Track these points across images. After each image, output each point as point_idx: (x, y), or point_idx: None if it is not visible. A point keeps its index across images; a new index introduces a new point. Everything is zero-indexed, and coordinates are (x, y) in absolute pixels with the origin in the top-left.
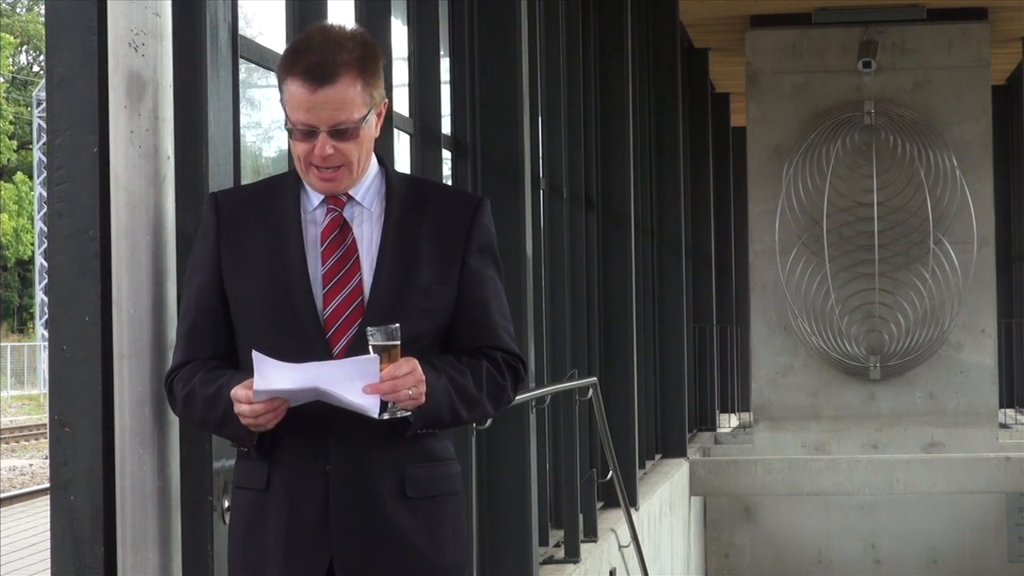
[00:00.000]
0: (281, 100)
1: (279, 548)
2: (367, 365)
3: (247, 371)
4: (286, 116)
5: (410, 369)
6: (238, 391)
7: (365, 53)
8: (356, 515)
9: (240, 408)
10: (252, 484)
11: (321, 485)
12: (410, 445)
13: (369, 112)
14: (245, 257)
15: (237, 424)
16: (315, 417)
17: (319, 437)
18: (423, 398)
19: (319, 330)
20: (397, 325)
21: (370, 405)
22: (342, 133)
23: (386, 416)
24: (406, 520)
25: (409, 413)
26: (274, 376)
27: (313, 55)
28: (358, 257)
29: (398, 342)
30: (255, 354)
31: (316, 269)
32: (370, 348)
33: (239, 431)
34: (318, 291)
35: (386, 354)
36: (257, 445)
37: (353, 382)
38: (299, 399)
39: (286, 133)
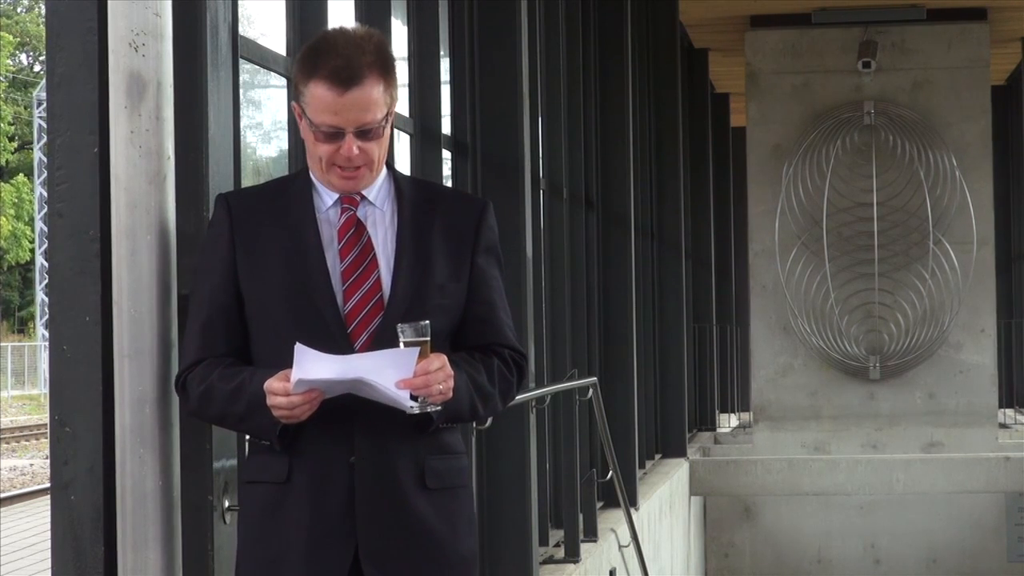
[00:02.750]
0: (299, 101)
1: (302, 539)
2: (404, 357)
3: (263, 368)
4: (306, 118)
5: (441, 364)
6: (273, 383)
7: (384, 55)
8: (381, 506)
9: (276, 400)
10: (269, 478)
11: (346, 476)
12: (429, 437)
13: (388, 112)
14: (262, 257)
15: (260, 417)
16: (340, 409)
17: (344, 429)
18: (451, 393)
19: (341, 326)
20: (427, 322)
21: (403, 399)
22: (367, 133)
23: (417, 410)
24: (428, 510)
25: (439, 408)
26: (314, 367)
27: (337, 58)
28: (375, 255)
29: (428, 338)
30: (297, 346)
31: (335, 266)
32: (401, 344)
33: (263, 424)
34: (338, 287)
35: (417, 350)
36: (280, 437)
37: (389, 374)
38: (335, 391)
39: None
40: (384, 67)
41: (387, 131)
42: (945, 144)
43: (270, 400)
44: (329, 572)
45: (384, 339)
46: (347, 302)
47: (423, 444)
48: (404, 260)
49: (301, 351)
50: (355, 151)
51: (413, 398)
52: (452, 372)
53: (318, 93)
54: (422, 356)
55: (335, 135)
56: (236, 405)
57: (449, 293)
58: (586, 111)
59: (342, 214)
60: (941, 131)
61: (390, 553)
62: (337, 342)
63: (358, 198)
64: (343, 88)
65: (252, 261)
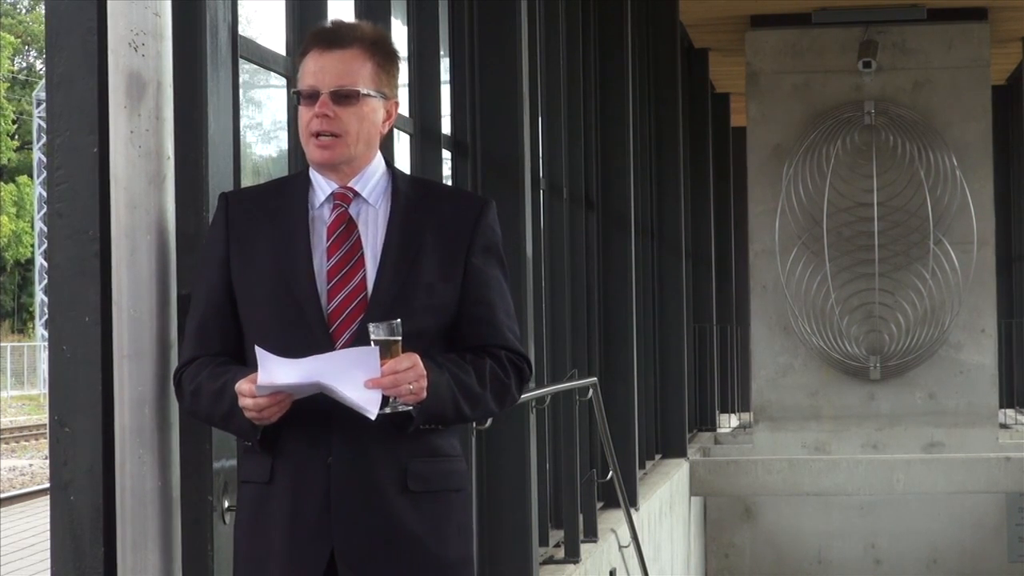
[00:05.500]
0: (297, 83)
1: (282, 540)
2: (367, 356)
3: (254, 367)
4: (297, 95)
5: (411, 364)
6: (242, 385)
7: (379, 41)
8: (357, 507)
9: (244, 402)
10: (257, 478)
11: (323, 477)
12: (412, 440)
13: (376, 96)
14: (253, 254)
15: (242, 418)
16: (318, 410)
17: (322, 429)
18: (424, 393)
19: (323, 325)
20: (399, 320)
21: (369, 402)
22: (343, 98)
23: (387, 411)
24: (408, 513)
25: (410, 408)
26: (277, 371)
27: (328, 29)
28: (363, 253)
29: (400, 337)
30: (257, 349)
31: (321, 264)
32: (371, 343)
33: (244, 425)
34: (323, 286)
35: (388, 349)
36: (261, 439)
37: (354, 374)
38: (302, 393)
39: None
40: (376, 49)
41: (372, 113)
42: (945, 144)
43: (240, 401)
44: (306, 572)
45: (367, 338)
46: (331, 301)
47: (405, 447)
48: (389, 259)
49: (262, 355)
50: (328, 112)
51: (385, 399)
52: (424, 372)
53: (307, 60)
54: (392, 355)
55: (312, 96)
56: (220, 405)
57: (437, 293)
58: (586, 111)
59: (333, 211)
60: (941, 131)
61: (366, 555)
62: (319, 341)
63: (351, 195)
64: (326, 47)
65: (244, 259)
